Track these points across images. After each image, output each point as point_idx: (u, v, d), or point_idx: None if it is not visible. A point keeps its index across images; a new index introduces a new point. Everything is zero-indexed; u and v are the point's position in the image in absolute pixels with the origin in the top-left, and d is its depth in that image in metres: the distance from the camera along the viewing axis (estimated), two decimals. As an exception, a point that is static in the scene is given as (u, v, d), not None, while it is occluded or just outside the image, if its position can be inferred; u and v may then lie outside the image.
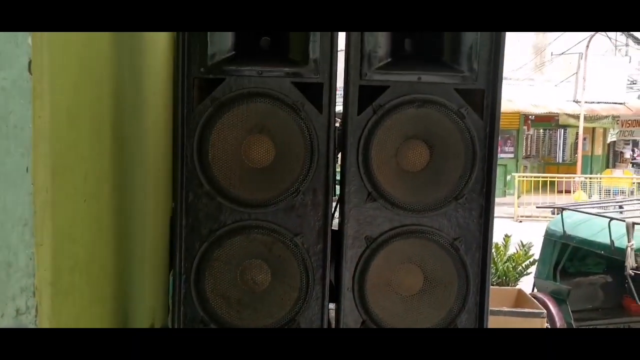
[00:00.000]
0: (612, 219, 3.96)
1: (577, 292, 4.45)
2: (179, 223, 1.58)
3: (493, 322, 1.74)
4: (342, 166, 1.62)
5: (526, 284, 5.42)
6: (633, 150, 20.33)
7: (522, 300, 2.94)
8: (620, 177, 14.66)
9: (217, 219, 1.59)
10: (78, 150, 1.34)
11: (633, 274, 3.71)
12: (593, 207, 4.89)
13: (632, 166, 18.08)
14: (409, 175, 1.61)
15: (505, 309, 2.76)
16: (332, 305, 1.72)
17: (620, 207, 4.94)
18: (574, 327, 4.14)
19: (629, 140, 18.91)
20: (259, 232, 1.60)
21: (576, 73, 15.45)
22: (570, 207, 4.70)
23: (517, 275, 5.56)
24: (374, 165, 1.59)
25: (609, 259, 4.34)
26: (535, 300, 2.94)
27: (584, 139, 16.35)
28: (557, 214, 4.90)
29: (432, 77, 1.59)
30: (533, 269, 5.46)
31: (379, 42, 1.57)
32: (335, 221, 1.71)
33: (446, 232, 1.63)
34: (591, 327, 4.35)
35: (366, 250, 1.62)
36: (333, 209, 1.64)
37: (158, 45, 1.92)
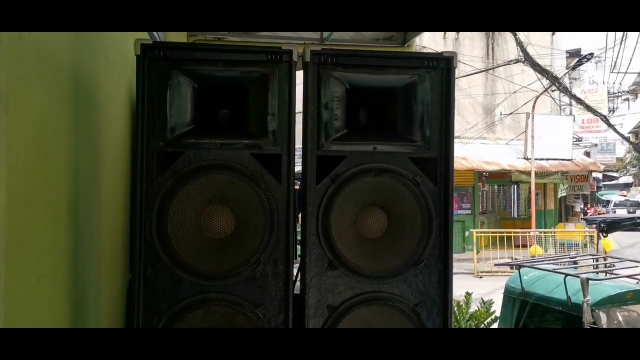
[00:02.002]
0: (567, 275, 4.06)
1: (539, 349, 4.48)
2: (136, 298, 1.54)
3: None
4: (302, 235, 1.63)
5: (489, 342, 5.41)
6: (584, 204, 21.07)
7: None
8: (573, 230, 15.10)
9: (176, 293, 1.56)
10: (32, 230, 1.31)
11: (590, 328, 3.77)
12: (549, 263, 5.01)
13: (585, 221, 18.68)
14: (368, 242, 1.63)
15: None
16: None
17: (575, 262, 5.08)
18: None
19: (579, 195, 19.60)
20: (219, 304, 1.58)
21: (525, 132, 16.14)
22: (527, 264, 4.80)
23: (480, 333, 5.57)
24: (333, 233, 1.61)
25: (567, 314, 4.41)
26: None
27: (537, 194, 16.89)
28: (516, 269, 4.99)
29: (387, 146, 1.64)
30: (495, 326, 5.49)
31: (335, 114, 1.62)
32: (297, 284, 1.70)
33: (407, 298, 1.64)
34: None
35: (328, 319, 1.62)
36: (294, 277, 1.63)
37: (117, 119, 1.93)
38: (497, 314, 5.50)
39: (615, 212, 23.54)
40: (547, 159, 16.53)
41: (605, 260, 5.04)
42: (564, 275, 4.07)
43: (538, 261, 5.54)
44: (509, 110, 16.77)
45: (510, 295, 4.65)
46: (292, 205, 1.61)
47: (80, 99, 1.60)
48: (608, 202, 28.03)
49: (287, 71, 1.60)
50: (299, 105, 1.61)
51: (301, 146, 1.64)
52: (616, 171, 34.99)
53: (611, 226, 6.25)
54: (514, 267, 5.37)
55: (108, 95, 1.82)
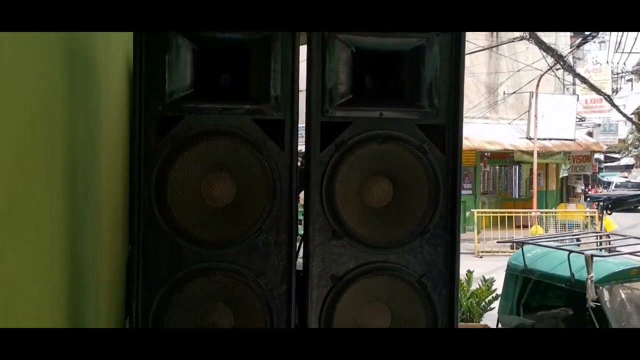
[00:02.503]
0: (571, 251, 4.02)
1: (541, 326, 4.47)
2: (135, 267, 1.51)
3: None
4: (305, 204, 1.59)
5: (489, 320, 5.43)
6: (585, 185, 21.03)
7: (489, 336, 2.92)
8: (574, 211, 15.09)
9: (176, 262, 1.52)
10: (27, 197, 1.26)
11: (594, 305, 3.75)
12: (552, 241, 4.98)
13: (585, 200, 18.66)
14: (373, 212, 1.59)
15: (473, 345, 2.71)
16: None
17: (578, 240, 5.05)
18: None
19: (580, 176, 19.58)
20: (220, 273, 1.54)
21: (528, 111, 16.02)
22: (530, 241, 4.77)
23: (481, 311, 5.58)
24: (338, 202, 1.57)
25: (570, 291, 4.40)
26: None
27: (538, 174, 16.85)
28: (517, 248, 4.97)
29: (393, 113, 1.59)
30: (496, 304, 5.49)
31: (340, 79, 1.57)
32: (300, 260, 1.67)
33: (413, 268, 1.60)
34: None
35: (332, 289, 1.58)
36: (297, 248, 1.59)
37: (114, 82, 1.88)
38: (498, 292, 5.50)
39: (616, 193, 23.46)
40: (550, 139, 16.44)
41: (609, 237, 5.01)
42: (568, 252, 4.03)
43: (541, 238, 5.51)
44: (512, 89, 16.63)
45: (512, 273, 4.63)
46: (295, 172, 1.56)
47: (75, 61, 1.54)
48: (609, 183, 28.00)
49: (290, 34, 1.54)
50: (303, 70, 1.55)
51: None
52: (618, 152, 34.90)
53: (616, 203, 6.22)
54: (516, 245, 5.35)
55: (105, 57, 1.77)
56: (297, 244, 1.59)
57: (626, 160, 37.18)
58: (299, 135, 1.57)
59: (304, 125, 1.58)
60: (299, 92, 1.56)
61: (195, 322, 1.53)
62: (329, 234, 1.58)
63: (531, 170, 16.50)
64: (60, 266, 1.49)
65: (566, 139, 16.84)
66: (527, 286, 4.50)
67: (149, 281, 1.52)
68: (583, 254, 3.88)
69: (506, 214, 13.78)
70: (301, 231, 1.62)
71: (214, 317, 1.54)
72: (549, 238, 5.57)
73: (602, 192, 23.62)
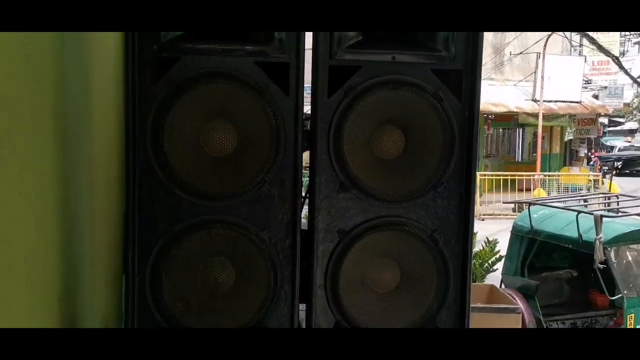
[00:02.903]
0: (579, 212, 3.95)
1: (545, 288, 4.43)
2: (131, 219, 1.42)
3: (472, 319, 1.64)
4: (311, 154, 1.49)
5: (492, 281, 5.40)
6: (588, 149, 20.90)
7: (495, 296, 2.87)
8: (577, 174, 15.00)
9: (174, 214, 1.44)
10: (12, 139, 1.16)
11: (601, 267, 3.69)
12: (559, 201, 4.90)
13: (588, 164, 18.57)
14: (383, 163, 1.49)
15: (480, 305, 2.67)
16: (302, 306, 1.59)
17: (585, 201, 4.97)
18: (543, 321, 4.12)
19: (584, 139, 19.43)
20: (221, 227, 1.46)
21: (534, 72, 15.75)
22: (537, 202, 4.69)
23: (484, 272, 5.55)
24: (346, 152, 1.47)
25: (576, 253, 4.34)
26: (509, 296, 2.87)
27: (543, 137, 16.69)
28: (519, 211, 4.91)
29: (407, 56, 1.47)
30: (499, 266, 5.45)
31: (350, 18, 1.45)
32: (304, 214, 1.58)
33: (424, 223, 1.52)
34: (558, 321, 4.34)
35: (339, 244, 1.50)
36: (302, 201, 1.50)
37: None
38: (501, 253, 5.46)
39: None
40: (556, 101, 16.22)
41: (617, 198, 4.93)
42: (576, 213, 3.96)
43: (548, 199, 5.43)
44: (518, 49, 16.31)
45: (517, 234, 4.57)
46: (301, 120, 1.46)
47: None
48: (612, 147, 27.82)
49: (296, -32, 1.41)
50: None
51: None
52: (622, 116, 34.58)
53: (627, 164, 6.10)
54: (518, 206, 5.27)
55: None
56: (303, 197, 1.51)
57: (630, 125, 36.87)
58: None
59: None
60: (305, 34, 1.45)
61: (195, 277, 1.46)
62: (336, 187, 1.49)
63: (535, 133, 16.33)
64: (53, 218, 1.40)
65: (572, 102, 16.60)
66: (532, 247, 4.44)
67: (146, 234, 1.44)
68: (592, 214, 3.80)
69: (509, 177, 13.69)
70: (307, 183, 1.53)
71: (214, 272, 1.47)
72: (556, 199, 5.49)
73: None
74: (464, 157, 1.51)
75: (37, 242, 1.31)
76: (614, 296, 4.00)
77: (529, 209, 4.44)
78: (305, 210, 1.55)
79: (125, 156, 1.41)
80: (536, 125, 15.63)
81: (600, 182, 14.33)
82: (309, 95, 1.51)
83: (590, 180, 14.62)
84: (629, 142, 31.36)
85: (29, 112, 1.24)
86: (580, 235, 3.87)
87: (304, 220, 1.53)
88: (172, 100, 1.38)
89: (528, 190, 13.84)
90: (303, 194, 1.55)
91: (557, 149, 18.68)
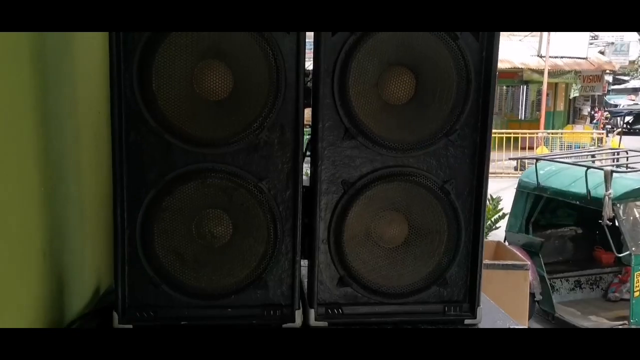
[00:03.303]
0: (589, 167, 3.84)
1: (549, 245, 4.37)
2: (118, 168, 1.31)
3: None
4: (314, 98, 1.37)
5: (495, 238, 5.35)
6: (592, 108, 20.65)
7: (502, 252, 2.79)
8: (581, 132, 14.84)
9: (165, 162, 1.33)
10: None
11: (609, 223, 3.61)
12: (566, 157, 4.79)
13: (591, 122, 18.38)
14: (392, 109, 1.38)
15: (487, 261, 2.59)
16: (305, 262, 1.50)
17: (593, 157, 4.85)
18: (546, 279, 4.07)
19: (588, 97, 19.17)
20: (216, 176, 1.35)
21: (540, 27, 15.37)
22: (545, 158, 4.58)
23: (487, 230, 5.49)
24: (352, 96, 1.35)
25: (582, 210, 4.26)
26: (516, 252, 2.80)
27: (547, 94, 16.44)
28: (521, 169, 4.80)
29: (419, -10, 1.33)
30: (501, 224, 5.38)
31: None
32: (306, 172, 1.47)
33: (435, 174, 1.41)
34: (562, 278, 4.30)
35: (343, 196, 1.39)
36: (304, 149, 1.39)
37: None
38: (504, 211, 5.38)
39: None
40: (562, 57, 15.89)
41: (627, 153, 4.82)
42: (585, 168, 3.85)
43: (557, 155, 5.31)
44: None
45: (523, 190, 4.47)
46: (303, 60, 1.33)
47: None
48: (616, 105, 27.53)
49: None
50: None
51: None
52: (627, 74, 34.11)
53: (638, 119, 5.95)
54: (525, 163, 5.17)
55: None
56: (304, 144, 1.39)
57: (634, 83, 36.41)
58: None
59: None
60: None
61: (189, 230, 1.36)
62: (340, 133, 1.37)
63: (539, 91, 16.09)
64: (35, 170, 1.30)
65: (578, 57, 16.27)
66: (537, 204, 4.35)
67: (135, 185, 1.33)
68: (602, 170, 3.69)
69: (512, 135, 13.53)
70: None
71: (210, 225, 1.37)
72: (563, 155, 5.36)
73: (607, 115, 23.23)
74: (480, 103, 1.39)
75: (16, 195, 1.21)
76: (620, 253, 3.94)
77: (535, 165, 4.33)
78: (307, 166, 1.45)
79: (110, 99, 1.29)
80: (540, 82, 15.37)
81: (604, 140, 14.19)
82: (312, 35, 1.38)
83: (593, 139, 14.47)
84: (633, 100, 31.01)
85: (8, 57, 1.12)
86: (588, 191, 3.78)
87: (305, 176, 1.43)
88: (161, 38, 1.25)
89: (531, 148, 13.72)
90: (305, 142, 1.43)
91: (561, 106, 18.43)
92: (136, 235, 1.35)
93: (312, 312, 1.40)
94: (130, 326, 1.36)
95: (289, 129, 1.35)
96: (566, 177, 4.12)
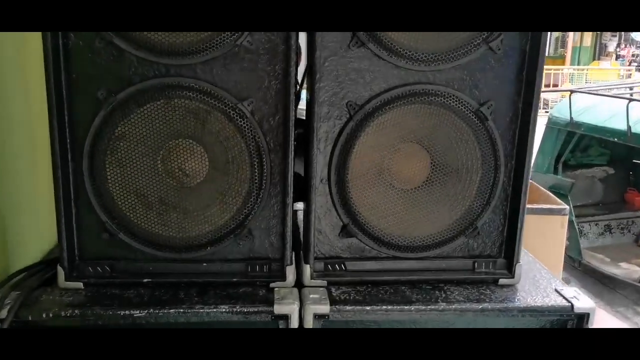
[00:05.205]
0: (631, 99, 3.44)
1: (578, 186, 4.04)
2: (55, 82, 1.00)
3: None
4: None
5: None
6: (617, 45, 19.72)
7: (535, 194, 2.48)
8: (608, 68, 14.16)
9: (117, 75, 1.02)
10: None
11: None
12: (602, 89, 4.38)
13: (617, 59, 17.58)
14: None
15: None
16: (299, 205, 1.21)
17: (631, 89, 4.43)
18: (575, 223, 3.77)
19: (615, 33, 18.26)
20: (184, 95, 1.04)
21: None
22: (581, 90, 4.17)
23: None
24: (360, -11, 1.01)
25: (615, 149, 3.90)
26: (551, 194, 2.48)
27: (574, 28, 15.58)
28: (544, 108, 4.40)
29: None
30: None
31: None
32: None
33: (469, 93, 1.08)
34: (592, 222, 3.99)
35: (348, 122, 1.08)
36: (297, 59, 1.07)
37: None
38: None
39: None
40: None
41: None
42: (626, 101, 3.45)
43: (592, 87, 4.89)
44: None
45: (554, 127, 4.09)
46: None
47: None
48: (644, 42, 26.27)
49: None
50: None
51: None
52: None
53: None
54: (547, 104, 4.76)
55: None
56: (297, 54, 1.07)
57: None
58: None
59: None
60: None
61: (152, 165, 1.06)
62: (346, 38, 1.04)
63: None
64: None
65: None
66: (569, 142, 3.99)
67: (79, 102, 1.03)
68: (647, 101, 3.31)
69: (536, 71, 12.89)
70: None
71: (179, 159, 1.07)
72: (599, 87, 4.92)
73: (634, 51, 22.18)
74: (532, -2, 1.04)
75: None
76: (658, 196, 3.62)
77: (569, 98, 3.94)
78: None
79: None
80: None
81: (632, 77, 13.52)
82: None
83: (621, 75, 13.80)
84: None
85: None
86: (629, 127, 3.40)
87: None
88: None
89: (555, 85, 13.11)
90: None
91: (587, 41, 17.54)
92: (83, 170, 1.06)
93: (307, 269, 1.12)
94: (80, 284, 1.09)
95: (278, 33, 1.03)
96: (603, 112, 3.74)
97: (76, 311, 1.01)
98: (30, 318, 1.00)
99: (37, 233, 1.33)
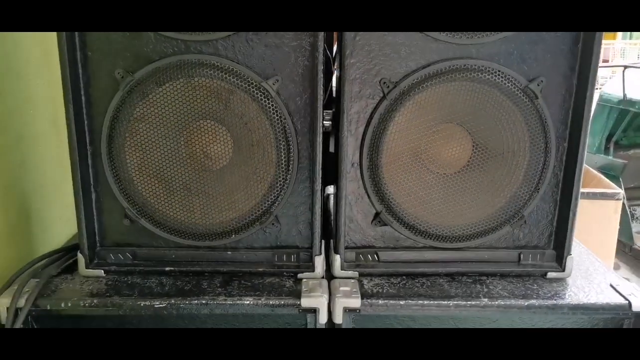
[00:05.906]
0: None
1: (630, 167, 3.82)
2: (68, 60, 0.95)
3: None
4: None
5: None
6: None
7: (587, 177, 2.33)
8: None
9: (135, 52, 0.96)
10: None
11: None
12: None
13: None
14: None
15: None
16: (329, 189, 1.14)
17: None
18: (627, 206, 3.57)
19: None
20: (206, 74, 0.97)
21: None
22: (635, 65, 3.92)
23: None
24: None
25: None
26: (604, 178, 2.33)
27: None
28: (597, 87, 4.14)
29: None
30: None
31: None
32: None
33: (517, 68, 0.98)
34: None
35: (382, 101, 0.99)
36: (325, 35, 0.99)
37: None
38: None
39: None
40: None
41: None
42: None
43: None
44: None
45: (605, 104, 3.87)
46: None
47: None
48: None
49: None
50: None
51: None
52: None
53: None
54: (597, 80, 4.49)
55: None
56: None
57: None
58: None
59: None
60: None
61: (175, 149, 1.01)
62: (379, 10, 0.95)
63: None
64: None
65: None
66: (622, 120, 3.76)
67: (94, 84, 0.98)
68: None
69: (585, 46, 12.36)
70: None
71: (202, 141, 1.01)
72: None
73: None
74: (591, -40, 0.92)
75: None
76: None
77: (623, 74, 3.71)
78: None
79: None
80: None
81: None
82: None
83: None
84: None
85: None
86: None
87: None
88: None
89: (605, 61, 12.54)
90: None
91: (642, 14, 16.73)
92: (102, 154, 1.01)
93: (337, 259, 1.05)
94: (101, 272, 1.05)
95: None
96: (662, 89, 3.50)
97: (95, 301, 0.97)
98: (48, 307, 0.96)
99: (63, 219, 1.31)
